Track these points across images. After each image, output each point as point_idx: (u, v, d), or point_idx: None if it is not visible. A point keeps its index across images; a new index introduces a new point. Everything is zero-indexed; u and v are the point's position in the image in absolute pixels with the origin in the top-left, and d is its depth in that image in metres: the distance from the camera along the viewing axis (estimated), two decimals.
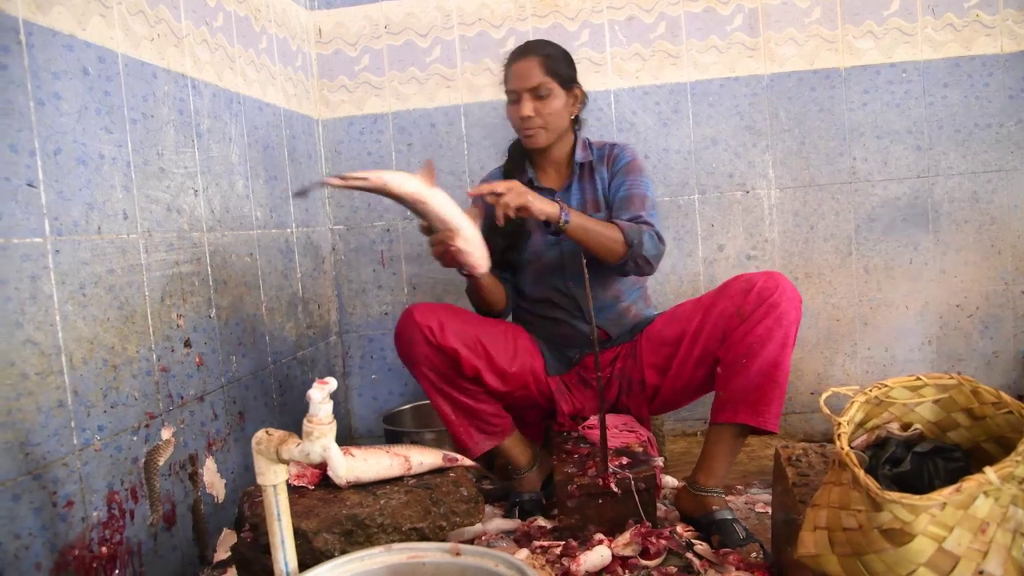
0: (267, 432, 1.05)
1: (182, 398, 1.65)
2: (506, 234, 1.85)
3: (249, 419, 1.94)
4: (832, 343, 2.47)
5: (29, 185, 1.25)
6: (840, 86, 2.41)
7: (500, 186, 1.65)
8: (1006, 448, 1.08)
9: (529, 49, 1.87)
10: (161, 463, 1.56)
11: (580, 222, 1.71)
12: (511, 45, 2.47)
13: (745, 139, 2.45)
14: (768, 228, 2.47)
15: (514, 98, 1.85)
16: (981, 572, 0.95)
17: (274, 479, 1.05)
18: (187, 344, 1.68)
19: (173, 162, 1.67)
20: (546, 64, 1.83)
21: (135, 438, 1.49)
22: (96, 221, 1.41)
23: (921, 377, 1.18)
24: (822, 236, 2.45)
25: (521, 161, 1.95)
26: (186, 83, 1.74)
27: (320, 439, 0.98)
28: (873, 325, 2.46)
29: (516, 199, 1.64)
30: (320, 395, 0.97)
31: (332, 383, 0.99)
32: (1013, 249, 2.40)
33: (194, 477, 1.69)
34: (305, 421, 0.99)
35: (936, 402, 1.18)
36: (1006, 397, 1.11)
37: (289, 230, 2.27)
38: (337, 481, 1.44)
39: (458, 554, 1.10)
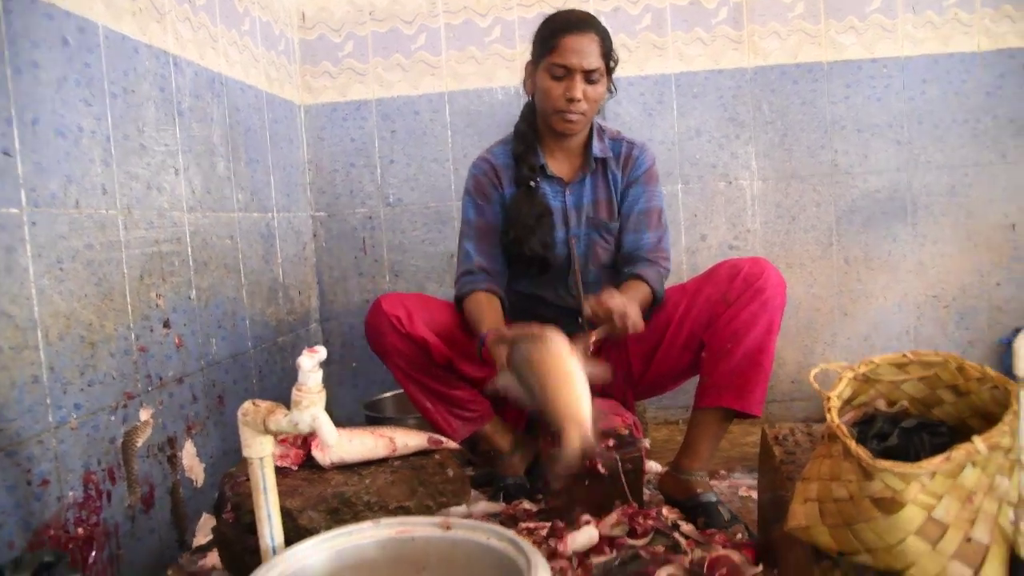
0: (254, 403, 1.03)
1: (161, 379, 1.62)
2: (530, 228, 1.76)
3: (229, 403, 1.90)
4: (812, 333, 2.49)
5: (5, 154, 1.22)
6: (822, 80, 2.43)
7: (629, 313, 1.48)
8: (990, 423, 1.09)
9: (588, 22, 1.70)
10: (139, 444, 1.53)
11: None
12: (497, 34, 2.48)
13: (728, 131, 2.46)
14: (750, 219, 2.48)
15: (561, 73, 1.67)
16: (969, 539, 0.95)
17: (260, 452, 1.03)
18: (166, 324, 1.65)
19: (154, 139, 1.64)
20: (603, 46, 1.69)
21: (113, 418, 1.45)
22: (74, 195, 1.38)
23: (907, 354, 1.19)
24: (803, 227, 2.47)
25: (534, 144, 1.81)
26: (168, 60, 1.71)
27: (309, 408, 0.96)
28: (852, 315, 2.48)
29: (638, 324, 1.51)
30: (310, 363, 0.95)
31: (322, 351, 0.98)
32: (988, 242, 2.44)
33: (173, 460, 1.66)
34: (294, 390, 0.97)
35: (922, 379, 1.19)
36: (991, 372, 1.12)
37: (270, 215, 2.25)
38: (322, 460, 1.42)
39: (448, 528, 1.08)
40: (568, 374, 1.24)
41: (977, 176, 2.43)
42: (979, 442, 0.95)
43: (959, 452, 0.95)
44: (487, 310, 1.69)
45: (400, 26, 2.51)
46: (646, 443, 1.66)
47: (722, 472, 1.99)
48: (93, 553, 1.37)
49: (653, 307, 1.76)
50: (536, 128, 1.82)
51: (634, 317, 1.50)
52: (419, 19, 2.50)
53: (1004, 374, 1.07)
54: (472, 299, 1.75)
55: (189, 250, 1.76)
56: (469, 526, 1.08)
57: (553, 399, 1.23)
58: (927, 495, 0.96)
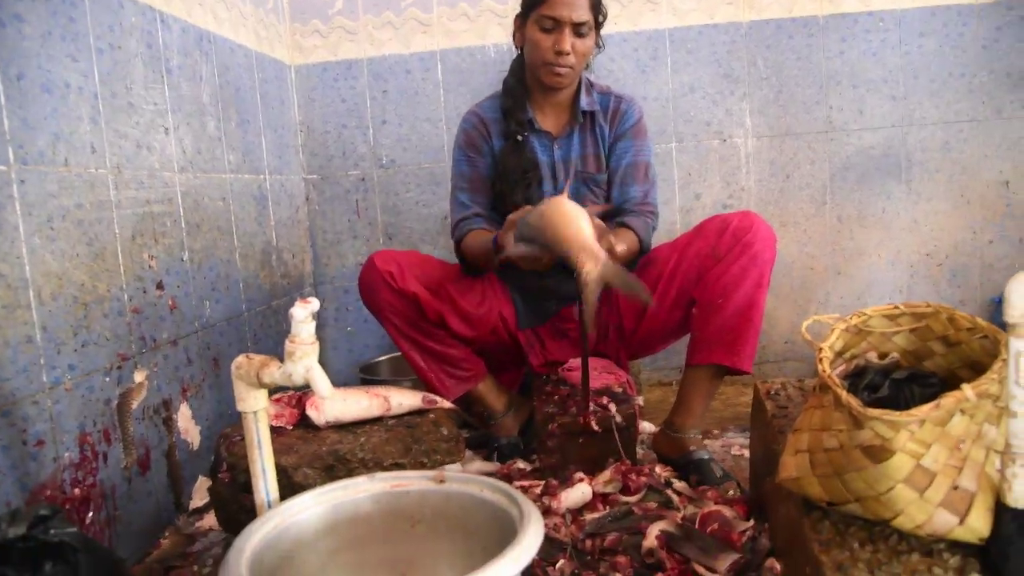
0: (247, 357, 1.03)
1: (155, 341, 1.62)
2: (518, 181, 1.77)
3: (224, 366, 1.91)
4: (806, 292, 2.50)
5: None
6: (818, 34, 2.40)
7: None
8: (980, 374, 1.10)
9: None
10: (135, 406, 1.53)
11: (620, 253, 1.57)
12: None
13: (723, 87, 2.44)
14: (745, 177, 2.47)
15: (550, 26, 1.67)
16: (956, 487, 0.96)
17: (255, 405, 1.03)
18: (159, 286, 1.65)
19: (142, 97, 1.62)
20: None
21: (107, 379, 1.45)
22: (63, 152, 1.36)
23: (899, 306, 1.19)
24: (797, 185, 2.46)
25: (522, 98, 1.80)
26: (154, 16, 1.68)
27: (303, 359, 0.96)
28: (846, 274, 2.49)
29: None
30: (303, 313, 0.95)
31: (315, 302, 0.97)
32: (982, 199, 2.44)
33: (168, 422, 1.66)
34: (287, 342, 0.97)
35: (913, 331, 1.20)
36: (981, 322, 1.12)
37: (262, 176, 2.23)
38: (317, 420, 1.43)
39: (442, 481, 1.10)
40: (570, 213, 1.34)
41: (972, 132, 2.41)
42: (968, 390, 0.96)
43: (948, 400, 0.96)
44: (488, 235, 1.71)
45: None
46: (639, 401, 1.67)
47: (715, 432, 2.00)
48: (90, 514, 1.38)
49: (640, 256, 1.77)
50: (524, 82, 1.82)
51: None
52: None
53: None
54: (471, 235, 1.78)
55: (181, 211, 1.75)
56: (463, 479, 1.09)
57: (562, 235, 1.31)
58: (916, 443, 0.97)
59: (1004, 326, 0.97)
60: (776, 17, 2.40)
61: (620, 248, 1.51)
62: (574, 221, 1.32)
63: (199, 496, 1.72)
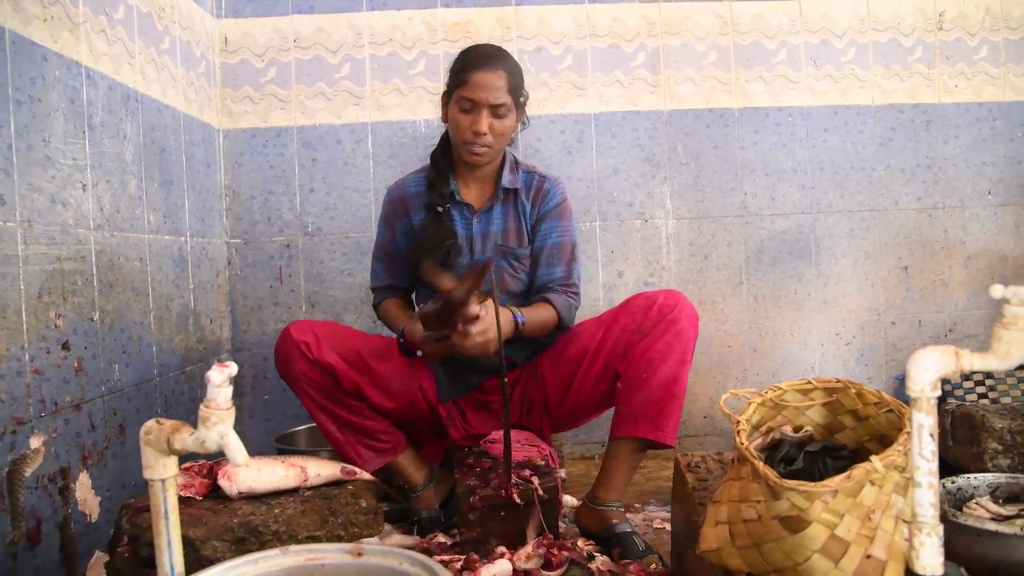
0: (157, 422, 0.98)
1: (56, 404, 1.53)
2: (435, 251, 1.79)
3: (130, 433, 1.81)
4: (724, 369, 2.57)
5: None
6: (733, 125, 2.55)
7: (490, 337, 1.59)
8: (887, 446, 1.15)
9: (497, 58, 1.76)
10: (27, 474, 1.43)
11: (531, 322, 1.72)
12: (422, 67, 2.50)
13: (645, 170, 2.55)
14: (665, 256, 2.56)
15: (468, 107, 1.73)
16: (869, 556, 0.99)
17: (163, 473, 0.98)
18: (65, 347, 1.56)
19: (60, 152, 1.57)
20: (511, 81, 1.75)
21: None
22: None
23: (811, 381, 1.24)
24: (715, 265, 2.57)
25: (446, 171, 1.85)
26: (80, 71, 1.65)
27: (217, 425, 0.92)
28: (761, 352, 2.58)
29: (488, 344, 1.59)
30: (219, 377, 0.92)
31: (233, 366, 0.94)
32: (884, 283, 2.59)
33: (65, 492, 1.55)
34: (202, 406, 0.93)
35: (825, 405, 1.25)
36: (887, 397, 1.18)
37: (183, 238, 2.17)
38: (229, 490, 1.36)
39: (360, 554, 1.05)
40: None
41: (873, 220, 2.59)
42: (876, 461, 1.00)
43: (858, 471, 0.99)
44: (399, 311, 1.93)
45: (324, 55, 2.50)
46: (562, 473, 1.66)
47: (636, 505, 2.00)
48: None
49: (558, 332, 1.81)
50: (450, 156, 1.87)
51: (488, 336, 1.59)
52: (344, 49, 2.50)
53: None
54: (385, 304, 1.97)
55: (94, 270, 1.69)
56: (382, 552, 1.05)
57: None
58: (830, 513, 1.00)
59: (908, 401, 1.02)
60: (695, 108, 2.55)
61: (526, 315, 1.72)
62: None
63: (94, 572, 1.60)
